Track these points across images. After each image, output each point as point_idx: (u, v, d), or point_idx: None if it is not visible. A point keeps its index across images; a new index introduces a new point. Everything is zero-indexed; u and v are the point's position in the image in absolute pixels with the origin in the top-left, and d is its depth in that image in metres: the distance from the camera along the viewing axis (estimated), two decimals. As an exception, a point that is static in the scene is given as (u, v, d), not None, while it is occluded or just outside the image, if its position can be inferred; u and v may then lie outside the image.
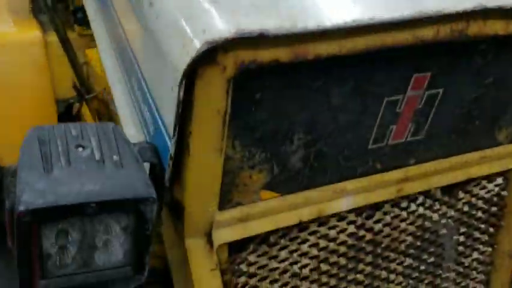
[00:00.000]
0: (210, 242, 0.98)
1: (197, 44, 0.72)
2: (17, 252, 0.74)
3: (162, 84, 0.86)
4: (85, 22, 2.43)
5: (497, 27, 0.94)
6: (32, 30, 3.05)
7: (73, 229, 0.77)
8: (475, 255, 1.40)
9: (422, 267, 1.33)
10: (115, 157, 0.80)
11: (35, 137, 0.80)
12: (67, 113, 3.59)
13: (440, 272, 1.37)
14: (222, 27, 0.73)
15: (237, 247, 1.06)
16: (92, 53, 3.01)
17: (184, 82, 0.74)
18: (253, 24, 0.74)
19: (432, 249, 1.32)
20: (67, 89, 3.23)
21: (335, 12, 0.80)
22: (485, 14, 0.91)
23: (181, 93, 0.74)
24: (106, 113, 2.49)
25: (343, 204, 1.11)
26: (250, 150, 0.93)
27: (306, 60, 0.81)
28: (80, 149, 0.80)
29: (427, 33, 0.87)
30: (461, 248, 1.37)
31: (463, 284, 1.42)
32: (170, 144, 0.82)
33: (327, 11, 0.80)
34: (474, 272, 1.43)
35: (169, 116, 0.83)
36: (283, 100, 0.89)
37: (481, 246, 1.40)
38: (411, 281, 1.33)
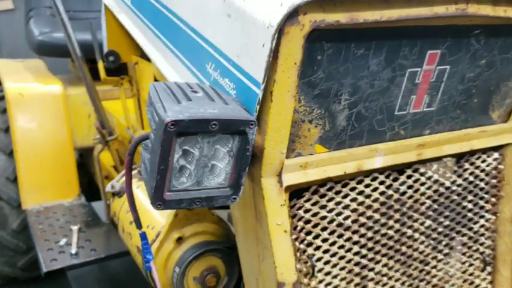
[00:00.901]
0: (280, 182, 1.23)
1: (285, 8, 1.01)
2: (157, 164, 0.98)
3: (249, 48, 1.14)
4: (113, 68, 2.73)
5: (487, 10, 1.26)
6: (54, 84, 3.37)
7: (194, 148, 1.02)
8: (482, 221, 1.66)
9: (440, 229, 1.58)
10: (220, 99, 1.07)
11: (158, 85, 1.07)
12: (80, 160, 3.85)
13: (455, 235, 1.62)
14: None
15: (295, 195, 1.31)
16: (109, 104, 3.33)
17: (275, 37, 1.03)
18: None
19: (447, 213, 1.57)
20: (84, 138, 3.52)
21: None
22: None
23: (273, 44, 1.03)
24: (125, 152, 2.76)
25: (376, 161, 1.38)
26: (310, 105, 1.21)
27: (356, 26, 1.11)
28: (194, 92, 1.07)
29: (440, 10, 1.19)
30: (470, 215, 1.63)
31: (474, 248, 1.67)
32: (259, 91, 1.09)
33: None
34: (482, 238, 1.68)
35: (256, 69, 1.10)
36: (336, 63, 1.18)
37: (486, 214, 1.67)
38: (431, 242, 1.57)
